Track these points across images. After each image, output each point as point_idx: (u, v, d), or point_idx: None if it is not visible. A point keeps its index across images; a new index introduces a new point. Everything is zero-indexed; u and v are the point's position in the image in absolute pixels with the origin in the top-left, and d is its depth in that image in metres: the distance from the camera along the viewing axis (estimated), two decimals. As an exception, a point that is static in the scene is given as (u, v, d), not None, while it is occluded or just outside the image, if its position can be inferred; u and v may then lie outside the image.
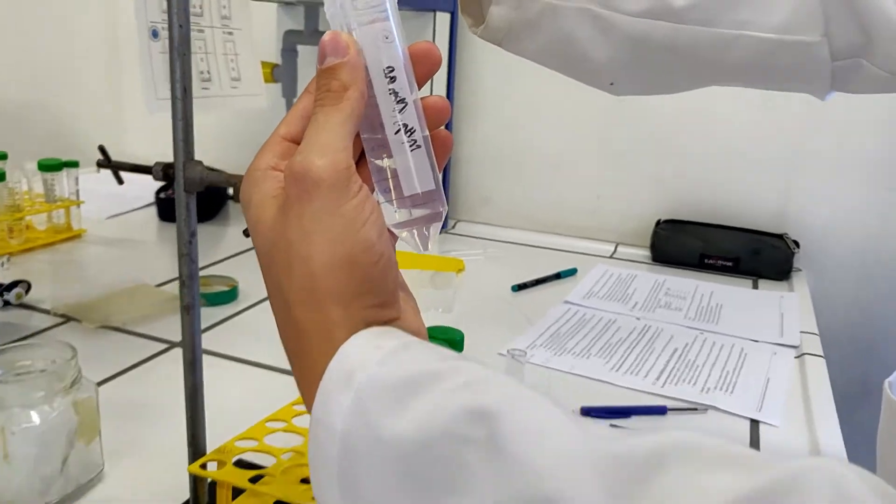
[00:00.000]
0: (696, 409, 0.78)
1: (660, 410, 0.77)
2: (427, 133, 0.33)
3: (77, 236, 1.25)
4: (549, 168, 1.42)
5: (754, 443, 0.73)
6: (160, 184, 1.43)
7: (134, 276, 1.04)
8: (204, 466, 0.52)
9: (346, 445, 0.29)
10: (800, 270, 1.24)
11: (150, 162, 1.78)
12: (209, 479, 0.55)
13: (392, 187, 0.33)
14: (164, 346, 0.87)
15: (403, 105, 0.33)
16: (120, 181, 0.52)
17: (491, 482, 0.26)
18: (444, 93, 1.31)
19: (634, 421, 0.75)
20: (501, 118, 1.42)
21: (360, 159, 0.35)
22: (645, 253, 1.33)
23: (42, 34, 1.81)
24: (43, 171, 1.20)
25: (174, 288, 1.03)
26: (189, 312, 0.49)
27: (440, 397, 0.28)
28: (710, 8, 0.50)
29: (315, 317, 0.31)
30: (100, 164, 0.52)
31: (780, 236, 1.23)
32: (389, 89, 0.33)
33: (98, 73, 1.79)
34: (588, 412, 0.76)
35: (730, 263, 1.23)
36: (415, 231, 0.33)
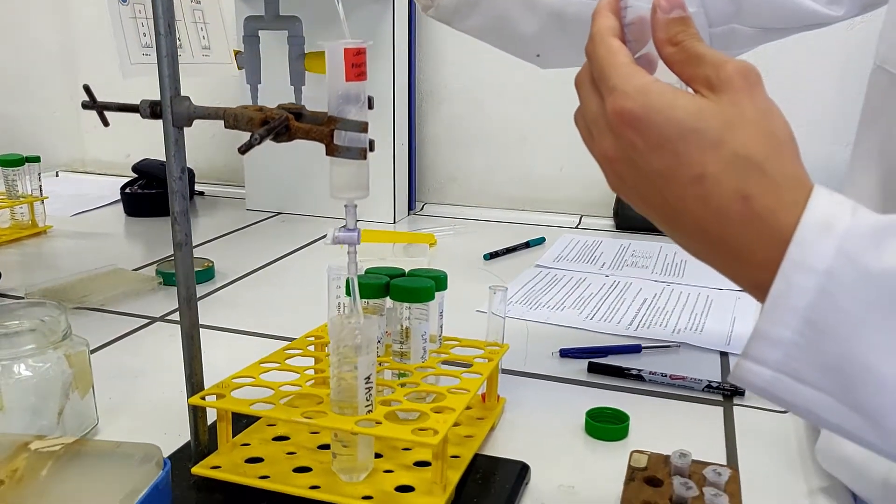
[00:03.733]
0: (668, 346, 0.82)
1: (635, 349, 0.80)
2: None
3: (42, 232, 1.24)
4: (514, 144, 1.45)
5: (725, 372, 0.76)
6: (125, 181, 1.43)
7: (107, 263, 1.03)
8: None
9: (827, 282, 0.32)
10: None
11: (113, 164, 1.77)
12: (209, 423, 0.56)
13: None
14: (145, 321, 0.87)
15: None
16: (105, 122, 0.53)
17: None
18: (405, 76, 1.34)
19: (611, 359, 0.78)
20: (464, 98, 1.45)
21: None
22: (608, 222, 1.37)
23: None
24: (3, 167, 1.19)
25: (150, 271, 1.03)
26: (181, 249, 0.51)
27: None
28: None
29: (780, 185, 0.34)
30: (85, 106, 0.52)
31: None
32: None
33: (55, 81, 1.78)
34: (566, 353, 0.79)
35: (690, 225, 1.27)
36: None
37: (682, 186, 0.35)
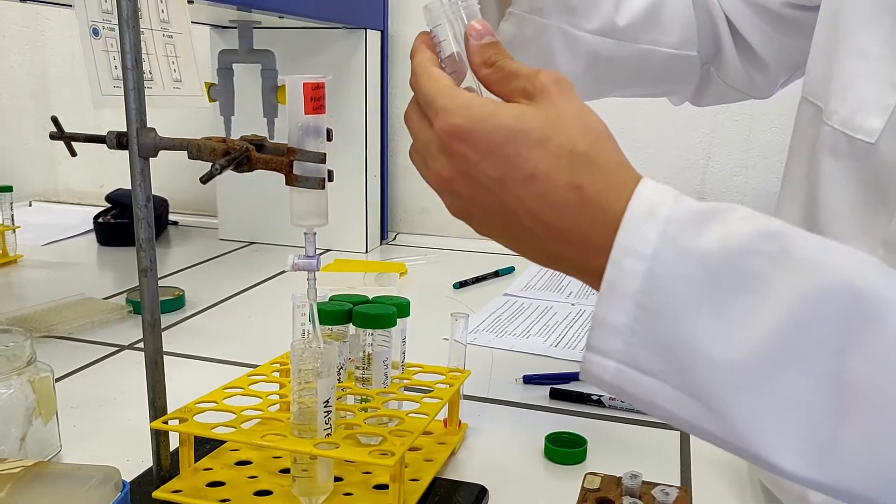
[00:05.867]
0: (630, 372, 0.83)
1: (597, 375, 0.82)
2: None
3: (13, 261, 1.24)
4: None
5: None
6: (98, 210, 1.44)
7: (77, 293, 1.04)
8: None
9: (654, 264, 0.34)
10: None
11: (86, 194, 1.78)
12: (172, 448, 0.56)
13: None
14: (113, 349, 0.88)
15: None
16: (73, 153, 0.54)
17: (783, 282, 0.32)
18: (377, 106, 1.36)
19: (573, 385, 0.80)
20: (434, 131, 1.47)
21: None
22: (577, 252, 1.39)
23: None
24: (-24, 197, 1.19)
25: (120, 300, 1.03)
26: (146, 275, 0.52)
27: (733, 223, 0.34)
28: (638, 28, 0.66)
29: (607, 171, 0.36)
30: (53, 136, 0.54)
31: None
32: None
33: (28, 112, 1.78)
34: (530, 380, 0.81)
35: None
36: None
37: (517, 187, 0.37)
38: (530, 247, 0.39)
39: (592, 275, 0.37)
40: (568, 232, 0.36)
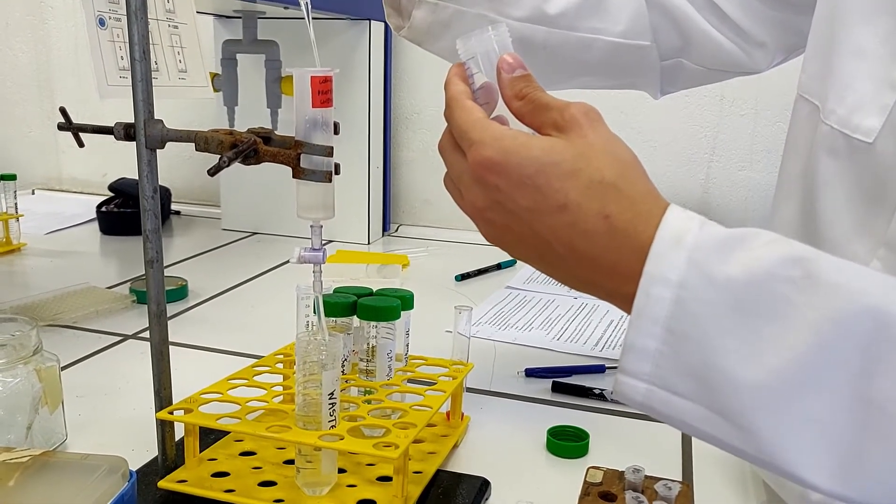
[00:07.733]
0: (632, 366, 0.84)
1: (599, 369, 0.83)
2: None
3: (17, 250, 1.25)
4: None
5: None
6: (101, 199, 1.44)
7: (81, 281, 1.04)
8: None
9: (681, 291, 0.35)
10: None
11: (89, 183, 1.78)
12: (177, 438, 0.57)
13: None
14: (117, 338, 0.88)
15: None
16: (80, 144, 0.54)
17: (809, 306, 0.33)
18: (381, 99, 1.36)
19: (575, 379, 0.80)
20: (438, 122, 1.47)
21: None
22: (579, 245, 1.40)
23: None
24: (-20, 185, 1.19)
25: (124, 290, 1.04)
26: (153, 266, 0.52)
27: (759, 249, 0.35)
28: (573, 16, 0.66)
29: (635, 200, 0.37)
30: (60, 127, 0.54)
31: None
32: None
33: (32, 100, 1.78)
34: (531, 373, 0.81)
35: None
36: None
37: (549, 216, 0.38)
38: (562, 272, 0.40)
39: (623, 300, 0.38)
40: (598, 259, 0.38)
